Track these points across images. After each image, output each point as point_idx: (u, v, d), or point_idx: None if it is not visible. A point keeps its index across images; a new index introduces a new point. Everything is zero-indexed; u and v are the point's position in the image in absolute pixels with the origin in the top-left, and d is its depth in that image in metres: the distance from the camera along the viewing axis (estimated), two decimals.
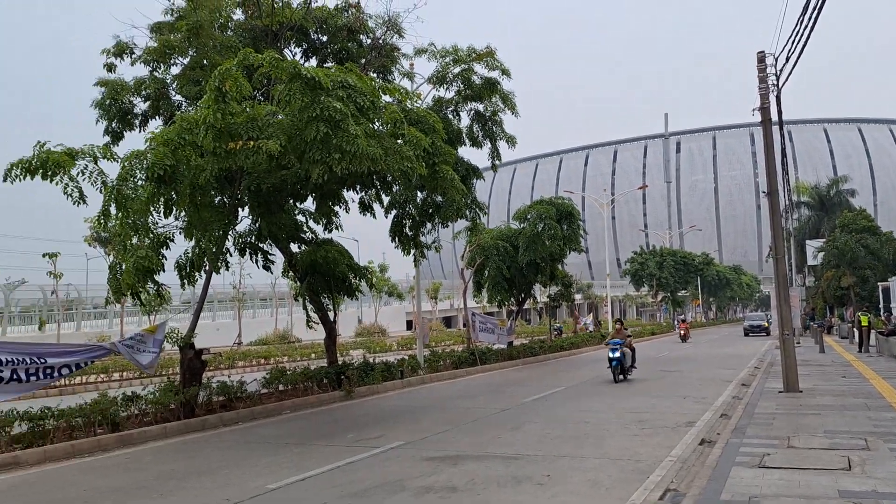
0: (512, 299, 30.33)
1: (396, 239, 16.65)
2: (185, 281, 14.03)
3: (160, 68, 14.84)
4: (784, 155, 17.82)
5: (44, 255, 30.78)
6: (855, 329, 30.23)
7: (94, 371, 21.00)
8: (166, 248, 13.36)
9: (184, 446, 10.91)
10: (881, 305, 37.59)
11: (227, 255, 14.82)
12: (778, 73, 15.81)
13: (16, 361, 10.98)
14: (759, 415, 11.48)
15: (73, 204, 11.00)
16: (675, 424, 11.38)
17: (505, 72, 17.37)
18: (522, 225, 29.10)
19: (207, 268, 13.78)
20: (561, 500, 6.93)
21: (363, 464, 8.98)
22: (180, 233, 13.59)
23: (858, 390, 14.26)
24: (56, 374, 11.80)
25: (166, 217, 12.61)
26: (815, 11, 11.76)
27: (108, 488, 8.16)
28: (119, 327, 35.97)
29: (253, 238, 15.39)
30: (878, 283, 38.90)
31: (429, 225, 16.84)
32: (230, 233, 14.11)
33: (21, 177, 10.58)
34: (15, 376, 10.95)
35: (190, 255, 13.92)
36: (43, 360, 11.37)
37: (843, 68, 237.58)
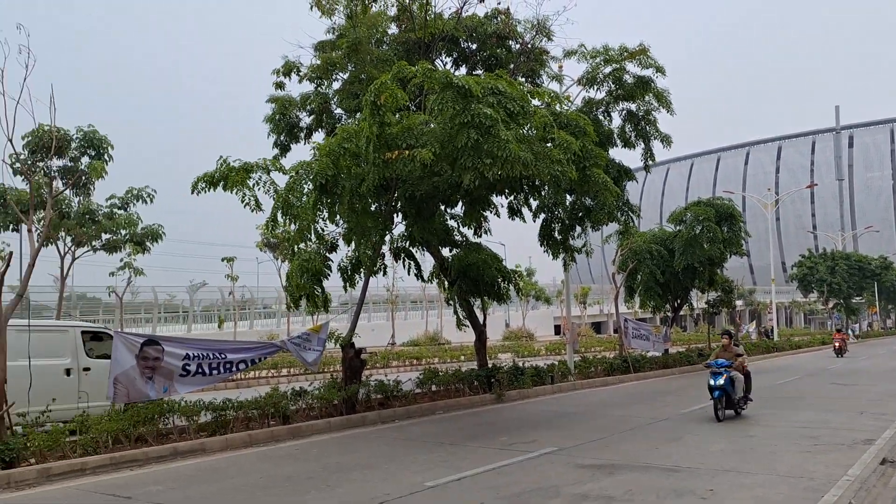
0: (667, 305, 29.22)
1: (545, 243, 16.60)
2: (347, 284, 14.90)
3: (323, 84, 15.80)
4: None
5: (222, 260, 33.67)
6: None
7: (265, 367, 22.63)
8: (333, 252, 14.28)
9: (346, 440, 11.51)
10: None
11: (383, 259, 15.53)
12: None
13: (201, 356, 12.09)
14: None
15: (252, 212, 12.05)
16: (851, 442, 10.49)
17: (659, 69, 16.86)
18: (678, 227, 27.99)
19: (366, 271, 14.49)
20: None
21: (516, 467, 9.04)
22: (342, 238, 14.44)
23: None
24: (234, 368, 12.89)
25: (331, 223, 13.48)
26: None
27: (282, 476, 8.79)
28: (286, 326, 38.57)
29: (406, 243, 15.99)
30: None
31: (578, 228, 16.66)
32: (386, 238, 14.78)
33: (205, 189, 11.71)
34: (200, 370, 12.07)
35: (350, 259, 14.77)
36: (224, 356, 12.45)
37: None
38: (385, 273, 15.94)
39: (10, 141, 9.93)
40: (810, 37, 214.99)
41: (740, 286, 49.55)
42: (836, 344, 35.32)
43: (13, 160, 21.10)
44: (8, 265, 10.49)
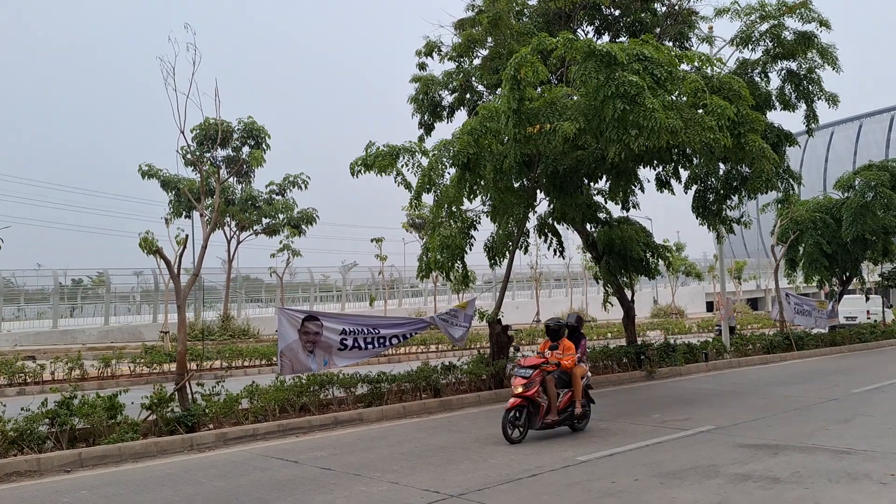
0: (833, 279, 26.99)
1: (700, 214, 15.86)
2: (492, 261, 15.04)
3: (464, 61, 15.92)
4: None
5: (371, 240, 35.07)
6: None
7: (414, 343, 23.41)
8: (474, 230, 14.46)
9: (495, 414, 11.58)
10: None
11: (527, 236, 15.50)
12: None
13: (357, 331, 12.72)
14: None
15: (406, 189, 12.60)
16: None
17: (823, 23, 15.45)
18: (846, 195, 25.69)
19: (511, 248, 14.54)
20: None
21: (671, 445, 8.79)
22: (486, 216, 14.58)
23: None
24: (387, 343, 13.45)
25: (471, 201, 13.63)
26: None
27: (436, 446, 9.10)
28: (433, 304, 39.64)
29: (550, 219, 15.86)
30: None
31: (734, 198, 15.76)
32: (530, 215, 14.74)
33: (361, 172, 12.29)
34: (356, 344, 12.71)
35: (494, 237, 14.89)
36: (377, 331, 13.03)
37: None
38: (526, 251, 15.90)
39: (183, 133, 10.86)
40: None
41: None
42: None
43: (185, 151, 23.15)
44: (184, 248, 11.55)
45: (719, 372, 17.54)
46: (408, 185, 12.89)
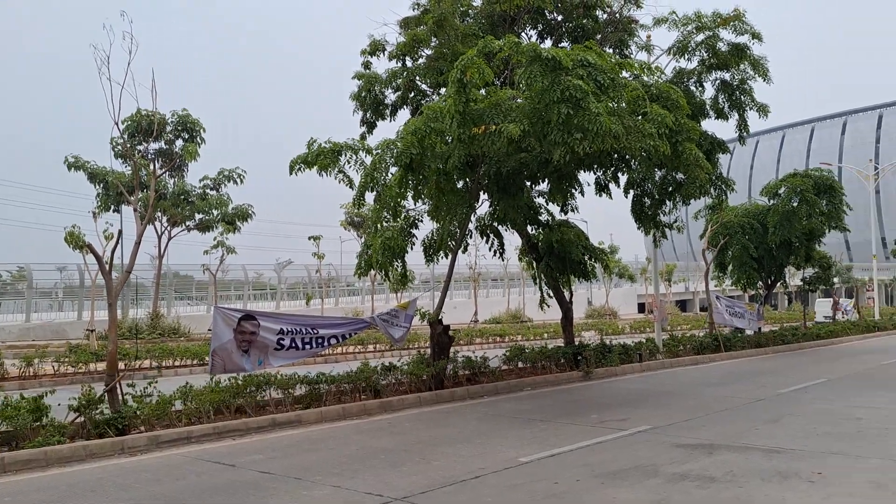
0: (759, 283, 28.11)
1: (637, 219, 16.23)
2: (430, 260, 14.99)
3: (408, 60, 15.83)
4: None
5: (309, 238, 34.60)
6: None
7: (352, 343, 23.15)
8: (416, 229, 14.41)
9: (437, 415, 11.65)
10: None
11: (469, 236, 15.53)
12: None
13: (294, 331, 12.46)
14: None
15: (349, 188, 12.46)
16: None
17: (755, 35, 16.07)
18: (772, 201, 26.78)
19: (453, 248, 14.53)
20: (838, 501, 6.32)
21: (611, 445, 8.93)
22: (427, 215, 14.54)
23: None
24: (326, 343, 13.23)
25: (415, 202, 13.57)
26: None
27: (378, 448, 8.98)
28: (370, 303, 39.35)
29: (491, 221, 15.92)
30: None
31: (669, 204, 16.19)
32: (471, 216, 14.77)
33: (301, 169, 12.03)
34: (293, 344, 12.44)
35: (434, 236, 14.85)
36: (315, 331, 12.79)
37: None
38: (466, 250, 15.93)
39: (117, 125, 10.42)
40: None
41: (837, 263, 47.06)
42: None
43: (115, 144, 22.24)
44: (117, 243, 11.09)
45: (653, 372, 17.98)
46: (350, 184, 12.75)
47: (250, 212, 31.68)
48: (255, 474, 7.74)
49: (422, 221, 14.72)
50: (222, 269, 35.50)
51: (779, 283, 30.08)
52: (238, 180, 30.57)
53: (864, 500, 6.37)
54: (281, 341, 12.22)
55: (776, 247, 26.08)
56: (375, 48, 15.62)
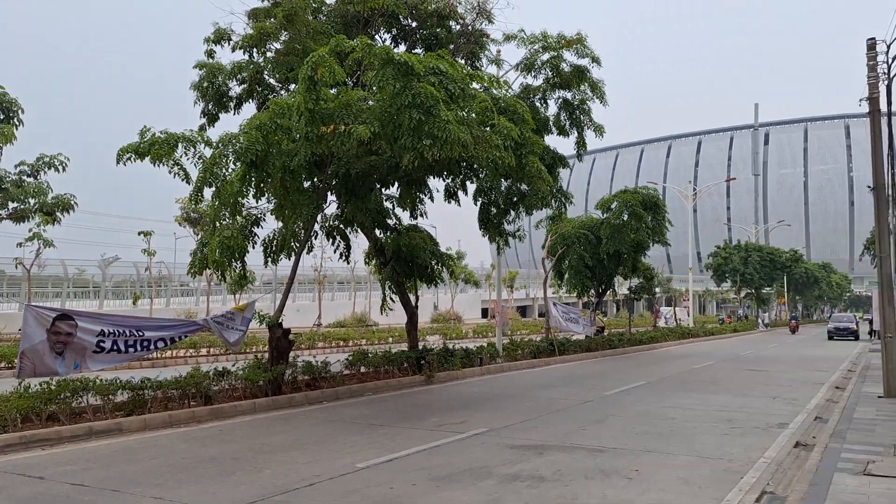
0: (591, 290, 29.93)
1: (484, 227, 16.66)
2: (270, 260, 14.47)
3: (256, 53, 15.24)
4: (891, 148, 16.82)
5: (139, 234, 32.26)
6: None
7: (183, 346, 21.90)
8: (258, 227, 13.86)
9: (272, 422, 11.25)
10: None
11: (314, 237, 15.18)
12: (890, 61, 14.89)
13: (117, 333, 11.55)
14: (859, 420, 10.93)
15: (185, 182, 11.69)
16: (767, 425, 10.97)
17: (595, 59, 17.03)
18: (605, 214, 28.61)
19: (297, 250, 14.13)
20: (652, 497, 6.78)
21: (448, 448, 9.04)
22: (271, 214, 14.04)
23: None
24: (152, 346, 12.38)
25: (257, 200, 13.05)
26: None
27: (206, 457, 8.50)
28: (205, 305, 37.46)
29: (338, 222, 15.68)
30: None
31: (513, 213, 16.76)
32: (318, 217, 14.45)
33: (131, 160, 11.14)
34: (115, 346, 11.53)
35: (277, 236, 14.36)
36: (141, 333, 11.92)
37: None
38: (310, 251, 15.58)
39: None
40: (733, 34, 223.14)
41: (659, 274, 51.19)
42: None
43: None
44: None
45: (493, 376, 18.53)
46: (187, 178, 11.98)
47: (73, 202, 29.00)
48: (66, 487, 7.05)
49: (264, 220, 14.20)
50: (38, 263, 32.26)
51: (609, 292, 32.17)
52: (60, 168, 27.91)
53: (674, 495, 6.87)
54: (101, 343, 11.31)
55: (607, 257, 27.89)
56: (220, 37, 14.88)
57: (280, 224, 14.20)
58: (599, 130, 18.72)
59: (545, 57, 17.37)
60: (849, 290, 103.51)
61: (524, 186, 15.46)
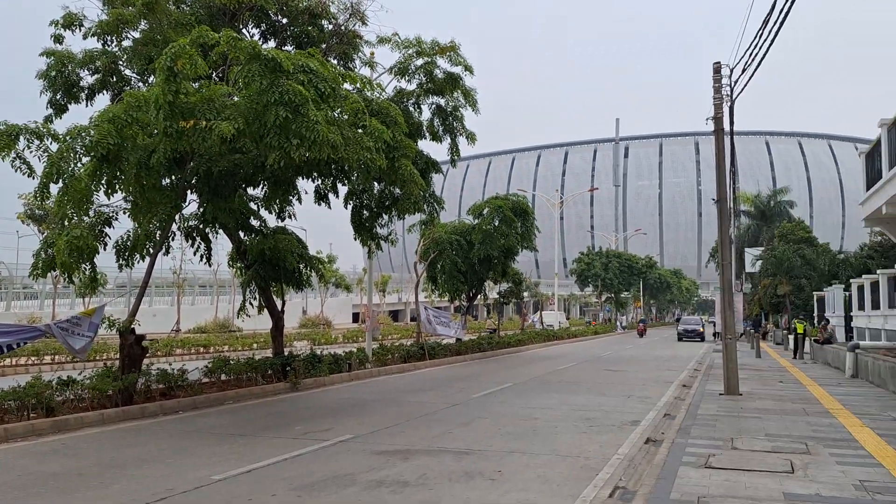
0: (463, 295, 30.43)
1: (356, 230, 16.47)
2: (125, 263, 13.57)
3: (111, 42, 14.28)
4: (732, 164, 18.28)
5: None
6: (790, 336, 31.29)
7: (24, 353, 20.14)
8: (109, 227, 12.98)
9: (123, 434, 10.53)
10: (815, 314, 39.01)
11: (172, 239, 14.39)
12: (732, 84, 16.16)
13: None
14: (702, 416, 11.72)
15: (29, 176, 10.76)
16: (621, 423, 11.54)
17: (468, 68, 17.29)
18: (477, 220, 29.18)
19: (151, 251, 13.31)
20: (513, 497, 6.91)
21: (312, 456, 8.81)
22: (125, 213, 13.19)
23: (796, 395, 14.73)
24: None
25: (109, 197, 12.20)
26: (778, 25, 12.05)
27: (46, 474, 7.79)
28: (51, 308, 34.65)
29: (199, 223, 14.96)
30: (814, 293, 40.30)
31: (385, 217, 16.69)
32: (176, 216, 13.72)
33: None
34: None
35: (131, 236, 13.48)
36: None
37: (784, 83, 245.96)
38: (168, 252, 14.74)
39: None
40: (597, 49, 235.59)
41: (528, 279, 52.92)
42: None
43: None
44: None
45: (361, 381, 18.34)
46: (31, 172, 10.99)
47: None
48: None
49: (117, 219, 13.29)
50: None
51: (480, 296, 32.85)
52: None
53: (534, 494, 7.04)
54: None
55: (479, 262, 28.47)
56: (70, 21, 13.79)
57: (135, 224, 13.36)
58: (472, 138, 19.05)
59: (419, 62, 17.46)
60: (697, 295, 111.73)
61: (397, 190, 15.44)
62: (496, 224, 28.11)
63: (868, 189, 19.37)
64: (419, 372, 21.28)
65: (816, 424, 10.77)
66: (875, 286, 26.87)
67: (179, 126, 10.66)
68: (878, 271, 26.67)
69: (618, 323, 68.41)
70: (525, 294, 53.31)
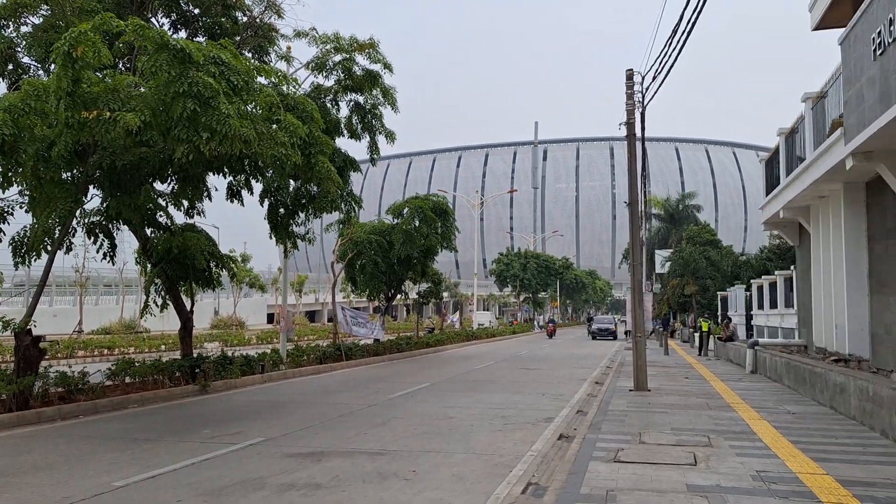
0: (382, 295, 30.28)
1: (272, 228, 16.09)
2: (21, 261, 12.79)
3: (8, 26, 13.44)
4: (644, 168, 18.91)
5: None
6: (696, 334, 32.69)
7: None
8: (4, 223, 12.23)
9: (17, 440, 9.90)
10: (719, 313, 40.91)
11: (73, 235, 13.66)
12: (644, 91, 16.73)
13: None
14: (613, 412, 12.05)
15: None
16: (536, 420, 11.72)
17: (387, 65, 17.21)
18: (397, 220, 29.09)
19: (50, 248, 12.59)
20: (426, 496, 6.88)
21: (220, 461, 8.52)
22: (21, 207, 12.44)
23: (700, 391, 15.37)
24: None
25: (3, 190, 11.49)
26: (685, 35, 12.53)
27: None
28: None
29: (101, 219, 14.25)
30: (718, 293, 42.27)
31: (302, 215, 16.38)
32: (77, 212, 13.03)
33: None
34: None
35: (29, 232, 12.71)
36: None
37: (691, 93, 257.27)
38: (69, 251, 13.95)
39: None
40: (517, 53, 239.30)
41: (447, 279, 53.25)
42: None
43: None
44: None
45: (275, 383, 17.92)
46: None
47: None
48: None
49: (12, 214, 12.49)
50: None
51: (399, 296, 32.77)
52: None
53: (448, 493, 7.04)
54: None
55: (399, 262, 28.37)
56: None
57: (33, 219, 12.60)
58: (391, 136, 18.96)
59: (337, 58, 17.25)
60: (611, 295, 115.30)
61: (314, 188, 15.19)
62: (416, 224, 28.11)
63: (767, 194, 20.46)
64: (335, 373, 21.00)
65: (718, 418, 11.25)
66: (773, 286, 28.42)
67: (82, 117, 10.11)
68: (776, 272, 28.22)
69: (535, 323, 69.70)
70: (445, 294, 53.62)
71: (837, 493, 6.48)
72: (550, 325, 54.29)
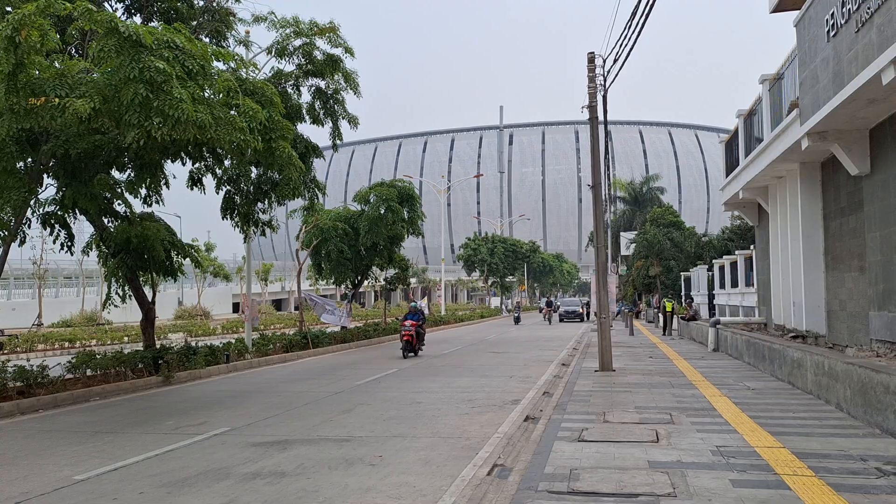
0: (348, 281, 30.13)
1: (229, 216, 15.82)
2: None
3: None
4: (607, 152, 19.04)
5: None
6: (660, 314, 33.20)
7: None
8: None
9: None
10: (683, 293, 41.58)
11: (28, 226, 13.31)
12: (605, 73, 16.79)
13: None
14: (578, 392, 12.18)
15: None
16: (503, 402, 11.80)
17: (348, 50, 16.97)
18: (363, 207, 28.89)
19: (6, 240, 12.25)
20: (392, 480, 6.89)
21: (184, 451, 8.42)
22: None
23: (663, 370, 15.62)
24: None
25: None
26: (643, 17, 12.59)
27: None
28: None
29: (57, 209, 13.90)
30: (681, 273, 42.93)
31: (264, 203, 16.16)
32: (32, 202, 12.68)
33: None
34: None
35: None
36: None
37: (653, 78, 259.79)
38: (23, 243, 13.59)
39: None
40: (483, 38, 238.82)
41: (415, 265, 53.21)
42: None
43: None
44: None
45: (240, 373, 17.76)
46: None
47: None
48: None
49: None
50: None
51: (366, 283, 32.63)
52: None
53: (414, 476, 7.05)
54: None
55: (365, 249, 28.23)
56: None
57: None
58: (354, 122, 18.72)
59: (297, 43, 16.94)
60: (577, 278, 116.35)
61: (276, 174, 14.97)
62: (382, 211, 27.96)
63: (727, 175, 20.78)
64: (302, 361, 20.88)
65: (680, 396, 11.45)
66: (734, 266, 28.96)
67: (29, 104, 9.80)
68: (737, 252, 28.76)
69: (503, 307, 70.09)
70: (412, 280, 53.60)
71: (793, 465, 6.64)
72: (517, 311, 49.75)
